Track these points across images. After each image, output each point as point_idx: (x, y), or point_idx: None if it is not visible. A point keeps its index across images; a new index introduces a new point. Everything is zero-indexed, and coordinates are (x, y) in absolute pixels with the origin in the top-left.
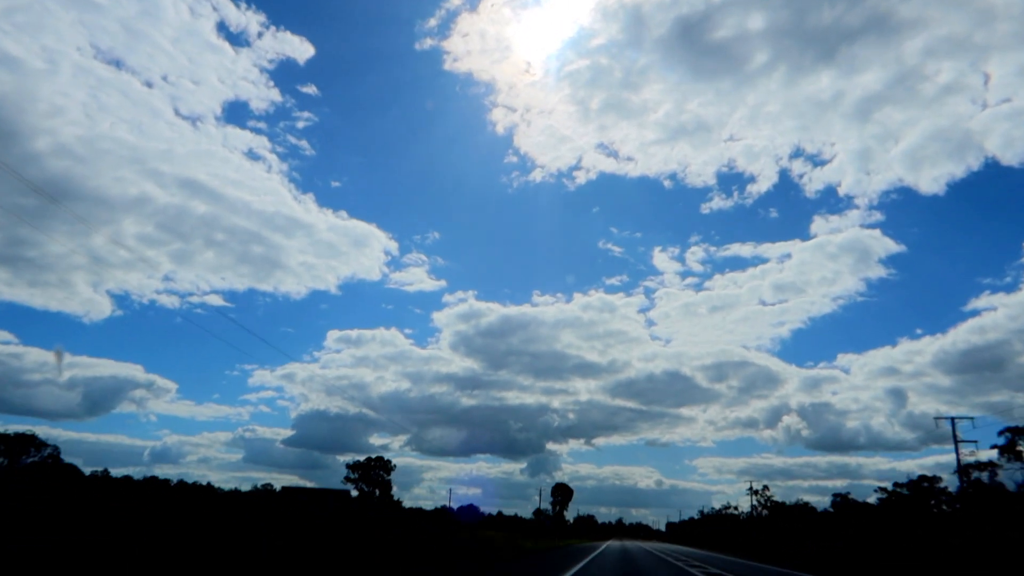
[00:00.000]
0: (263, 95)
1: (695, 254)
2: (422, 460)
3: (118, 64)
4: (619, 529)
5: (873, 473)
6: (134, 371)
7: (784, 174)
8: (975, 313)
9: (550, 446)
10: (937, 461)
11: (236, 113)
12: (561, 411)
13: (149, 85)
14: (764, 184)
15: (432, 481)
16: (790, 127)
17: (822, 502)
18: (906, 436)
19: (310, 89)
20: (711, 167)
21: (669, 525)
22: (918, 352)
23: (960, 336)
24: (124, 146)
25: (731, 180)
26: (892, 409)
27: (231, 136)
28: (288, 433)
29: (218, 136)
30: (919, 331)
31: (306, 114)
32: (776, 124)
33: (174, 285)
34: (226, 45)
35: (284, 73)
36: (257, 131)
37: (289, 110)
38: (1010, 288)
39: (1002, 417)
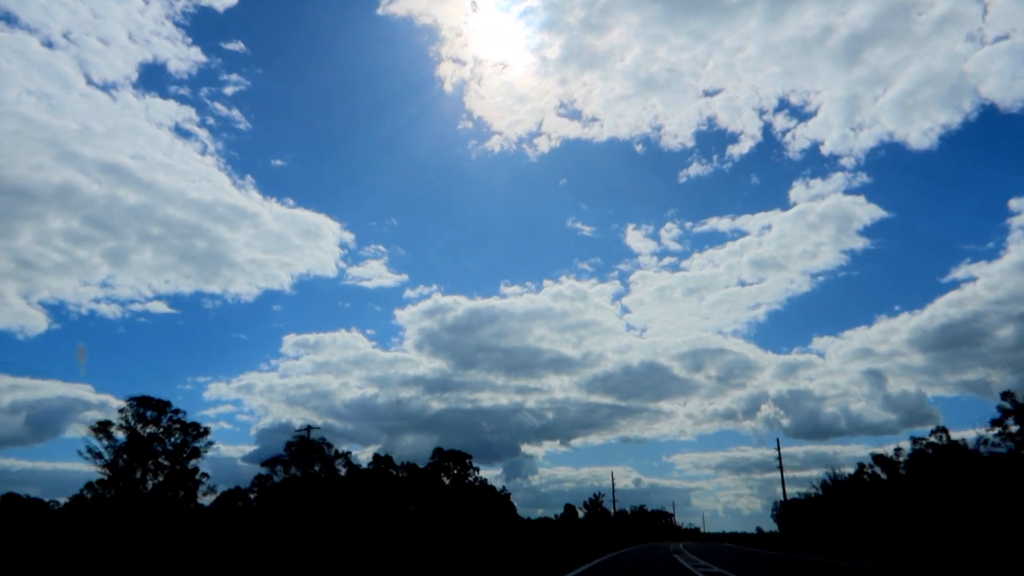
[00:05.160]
0: (182, 54)
1: (671, 231)
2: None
3: (9, 19)
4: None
5: (850, 460)
6: (82, 391)
7: (767, 131)
8: (955, 285)
9: (525, 448)
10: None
11: (154, 78)
12: (536, 410)
13: (50, 45)
14: (746, 144)
15: None
16: (772, 74)
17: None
18: (887, 418)
19: (236, 46)
20: (688, 127)
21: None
22: (894, 331)
23: (938, 311)
24: (35, 125)
25: (711, 140)
26: (870, 392)
27: (153, 108)
28: (251, 449)
29: (139, 108)
30: (897, 307)
31: (234, 77)
32: (757, 71)
33: (113, 292)
34: None
35: (202, 26)
36: (181, 99)
37: (215, 72)
38: (992, 255)
39: (980, 395)
